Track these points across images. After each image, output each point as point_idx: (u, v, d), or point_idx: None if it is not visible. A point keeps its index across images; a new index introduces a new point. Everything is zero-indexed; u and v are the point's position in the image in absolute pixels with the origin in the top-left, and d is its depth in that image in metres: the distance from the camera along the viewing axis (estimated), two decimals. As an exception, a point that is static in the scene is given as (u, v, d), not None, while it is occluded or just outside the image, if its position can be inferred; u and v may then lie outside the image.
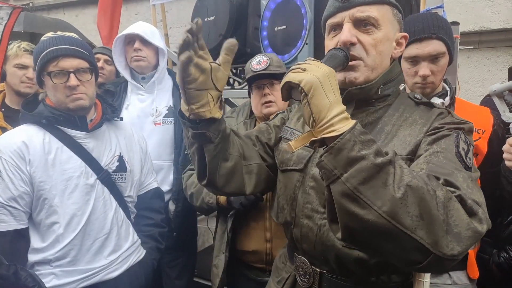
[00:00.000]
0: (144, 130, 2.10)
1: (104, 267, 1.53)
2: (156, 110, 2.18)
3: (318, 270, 1.05)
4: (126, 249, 1.61)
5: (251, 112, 2.00)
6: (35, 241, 1.47)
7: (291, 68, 0.83)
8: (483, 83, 3.40)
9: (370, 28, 0.98)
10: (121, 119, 1.77)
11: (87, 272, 1.49)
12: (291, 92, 0.82)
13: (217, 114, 0.97)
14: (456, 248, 0.73)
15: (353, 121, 0.78)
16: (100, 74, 2.52)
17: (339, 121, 0.78)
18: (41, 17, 4.08)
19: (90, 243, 1.51)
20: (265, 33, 2.57)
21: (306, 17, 2.33)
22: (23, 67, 2.15)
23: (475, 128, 1.58)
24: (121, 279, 1.57)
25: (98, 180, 1.55)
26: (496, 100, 1.43)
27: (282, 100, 0.85)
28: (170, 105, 2.21)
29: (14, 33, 3.07)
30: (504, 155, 1.41)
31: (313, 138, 0.80)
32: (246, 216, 1.79)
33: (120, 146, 1.69)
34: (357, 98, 1.03)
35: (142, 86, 2.21)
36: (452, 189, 0.78)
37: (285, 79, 0.80)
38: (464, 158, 0.88)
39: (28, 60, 2.13)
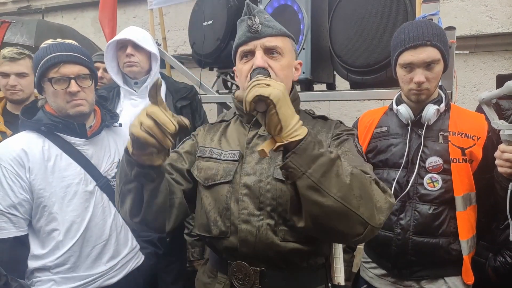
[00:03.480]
0: (138, 135, 2.10)
1: (103, 273, 1.55)
2: None
3: (258, 269, 1.15)
4: (125, 255, 1.62)
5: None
6: (35, 248, 1.49)
7: (253, 83, 0.92)
8: (480, 87, 3.42)
9: (277, 56, 1.17)
10: (120, 125, 1.78)
11: (87, 279, 1.51)
12: (257, 104, 0.92)
13: (158, 162, 0.97)
14: (381, 219, 0.96)
15: (305, 127, 0.94)
16: (100, 83, 2.54)
17: (299, 127, 0.93)
18: (51, 25, 3.96)
19: (89, 249, 1.52)
20: (262, 38, 2.58)
21: (303, 22, 2.35)
22: (5, 75, 2.15)
23: (470, 135, 1.60)
24: (120, 285, 1.59)
25: (97, 187, 1.56)
26: (485, 108, 1.45)
27: (249, 111, 0.91)
28: None
29: (25, 47, 3.08)
30: (496, 162, 1.43)
31: (279, 143, 0.92)
32: None
33: (119, 152, 1.69)
34: None
35: (135, 91, 2.21)
36: (368, 175, 0.99)
37: (254, 93, 0.89)
38: (363, 155, 1.15)
39: (7, 67, 2.13)
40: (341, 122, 1.28)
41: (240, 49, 1.20)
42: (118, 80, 2.23)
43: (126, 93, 2.23)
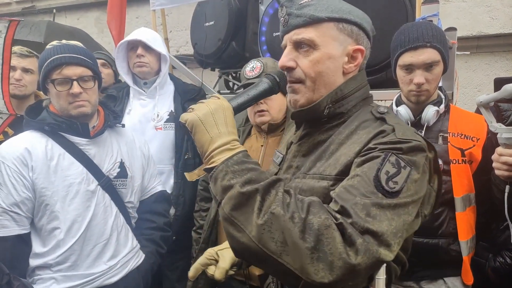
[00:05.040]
0: (145, 135, 2.13)
1: (103, 272, 1.56)
2: (158, 115, 2.21)
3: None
4: (125, 255, 1.63)
5: (247, 119, 1.98)
6: (36, 246, 1.50)
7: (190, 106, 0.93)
8: (481, 88, 3.43)
9: (307, 49, 0.99)
10: (123, 125, 1.80)
11: (87, 277, 1.52)
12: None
13: None
14: (327, 277, 0.73)
15: (235, 152, 0.86)
16: None
17: (219, 152, 0.86)
18: (62, 27, 3.99)
19: (90, 248, 1.54)
20: (263, 38, 2.59)
21: (304, 24, 2.35)
22: (11, 69, 2.17)
23: (470, 136, 1.60)
24: (120, 284, 1.60)
25: (99, 186, 1.58)
26: (483, 111, 1.45)
27: (186, 134, 0.92)
28: (172, 110, 2.24)
29: (35, 43, 3.07)
30: (494, 164, 1.43)
31: (203, 168, 0.89)
32: None
33: (122, 152, 1.71)
34: (305, 119, 1.07)
35: (144, 91, 2.24)
36: (339, 216, 0.78)
37: (180, 117, 0.91)
38: (384, 183, 0.82)
39: (15, 61, 2.15)
40: (393, 130, 0.92)
41: (281, 45, 1.06)
42: (128, 80, 2.26)
43: (135, 93, 2.26)
